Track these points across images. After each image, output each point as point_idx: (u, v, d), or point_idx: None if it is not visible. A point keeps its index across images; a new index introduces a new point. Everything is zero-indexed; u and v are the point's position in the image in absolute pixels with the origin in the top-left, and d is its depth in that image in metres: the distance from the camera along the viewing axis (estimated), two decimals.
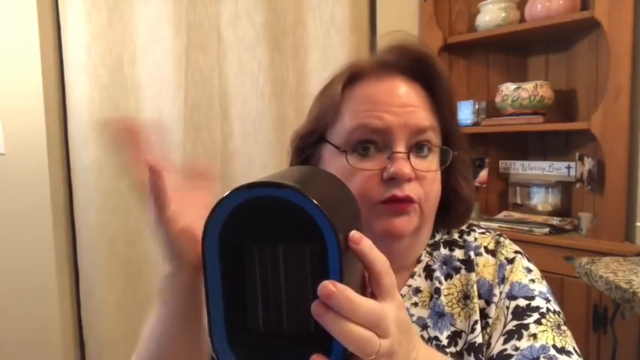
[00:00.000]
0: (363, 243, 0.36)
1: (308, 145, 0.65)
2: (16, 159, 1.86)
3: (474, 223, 0.70)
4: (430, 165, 0.60)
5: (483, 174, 1.91)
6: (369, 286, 0.38)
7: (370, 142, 0.59)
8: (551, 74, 1.92)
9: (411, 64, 0.62)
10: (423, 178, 0.59)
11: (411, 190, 0.58)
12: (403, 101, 0.60)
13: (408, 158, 0.58)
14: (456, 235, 0.67)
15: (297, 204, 0.33)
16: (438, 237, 0.67)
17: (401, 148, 0.58)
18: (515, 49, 1.96)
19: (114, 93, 1.88)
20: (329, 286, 0.32)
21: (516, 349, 0.55)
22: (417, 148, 0.60)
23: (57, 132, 1.89)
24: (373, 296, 0.37)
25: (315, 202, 0.32)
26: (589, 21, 1.57)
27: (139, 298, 1.93)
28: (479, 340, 0.59)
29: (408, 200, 0.58)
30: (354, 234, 0.36)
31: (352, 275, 0.35)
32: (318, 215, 0.32)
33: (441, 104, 0.63)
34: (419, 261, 0.65)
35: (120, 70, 1.88)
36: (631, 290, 1.05)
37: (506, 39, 1.84)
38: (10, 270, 1.90)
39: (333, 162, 0.62)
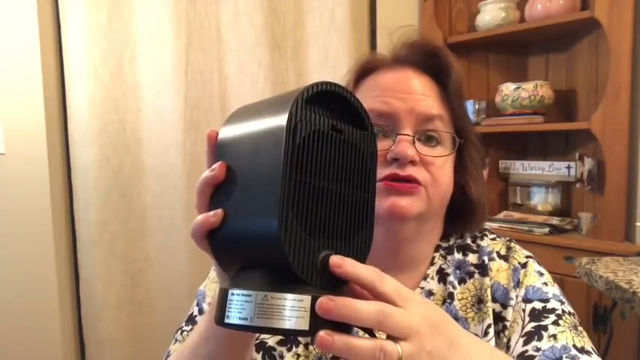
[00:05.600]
0: (344, 266, 0.36)
1: None
2: (16, 159, 1.85)
3: (486, 228, 0.70)
4: (439, 154, 0.60)
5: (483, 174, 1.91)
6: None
7: (378, 127, 0.59)
8: (551, 74, 1.91)
9: (423, 57, 0.63)
10: (430, 164, 0.59)
11: (415, 172, 0.57)
12: (412, 89, 0.61)
13: (414, 143, 0.58)
14: (469, 240, 0.67)
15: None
16: (452, 241, 0.67)
17: (406, 131, 0.59)
18: (515, 49, 1.95)
19: (114, 93, 1.88)
20: (326, 302, 0.34)
21: (538, 349, 0.55)
22: (426, 137, 0.60)
23: (57, 132, 1.89)
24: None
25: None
26: (589, 21, 1.57)
27: (138, 298, 1.92)
28: (492, 343, 0.59)
29: (411, 180, 0.57)
30: (334, 259, 0.36)
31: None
32: None
33: (452, 97, 0.63)
34: (432, 263, 0.65)
35: (120, 70, 1.88)
36: (631, 290, 1.05)
37: (506, 39, 1.83)
38: (10, 269, 1.90)
39: None
